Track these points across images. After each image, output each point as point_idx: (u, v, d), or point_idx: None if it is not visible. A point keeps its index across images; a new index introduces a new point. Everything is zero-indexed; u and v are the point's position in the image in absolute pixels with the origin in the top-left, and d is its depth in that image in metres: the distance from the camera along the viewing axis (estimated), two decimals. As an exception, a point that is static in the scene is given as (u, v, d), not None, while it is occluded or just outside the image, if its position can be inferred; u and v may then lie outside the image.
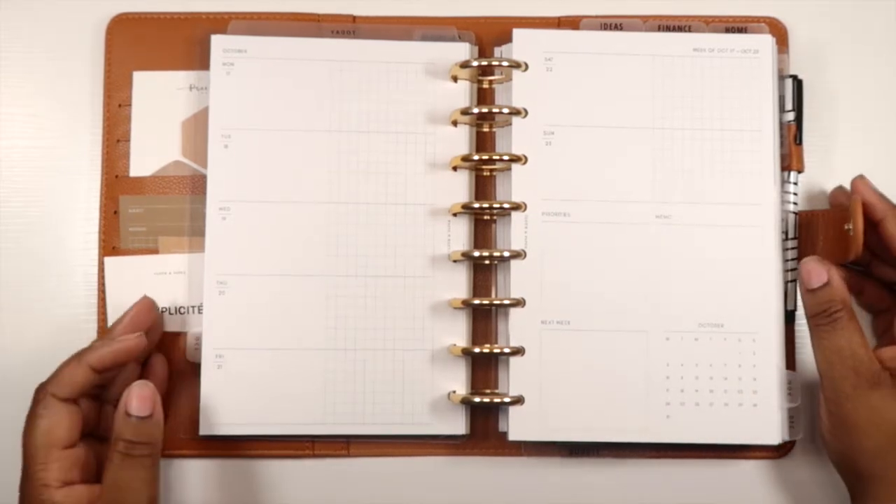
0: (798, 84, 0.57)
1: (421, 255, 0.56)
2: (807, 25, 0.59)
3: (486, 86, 0.58)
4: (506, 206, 0.55)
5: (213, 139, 0.56)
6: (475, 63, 0.56)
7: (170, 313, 0.56)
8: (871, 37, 0.60)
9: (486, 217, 0.57)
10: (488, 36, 0.58)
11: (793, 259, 0.56)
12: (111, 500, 0.49)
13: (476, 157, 0.56)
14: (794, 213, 0.57)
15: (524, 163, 0.55)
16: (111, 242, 0.57)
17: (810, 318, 0.52)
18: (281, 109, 0.56)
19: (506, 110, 0.56)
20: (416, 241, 0.56)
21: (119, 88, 0.58)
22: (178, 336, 0.56)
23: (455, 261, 0.56)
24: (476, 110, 0.56)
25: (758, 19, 0.59)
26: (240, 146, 0.56)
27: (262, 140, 0.56)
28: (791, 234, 0.56)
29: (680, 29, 0.58)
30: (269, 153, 0.56)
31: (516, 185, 0.56)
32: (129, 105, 0.57)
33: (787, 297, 0.56)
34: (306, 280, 0.55)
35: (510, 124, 0.56)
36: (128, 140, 0.57)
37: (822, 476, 0.57)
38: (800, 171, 0.57)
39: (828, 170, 0.59)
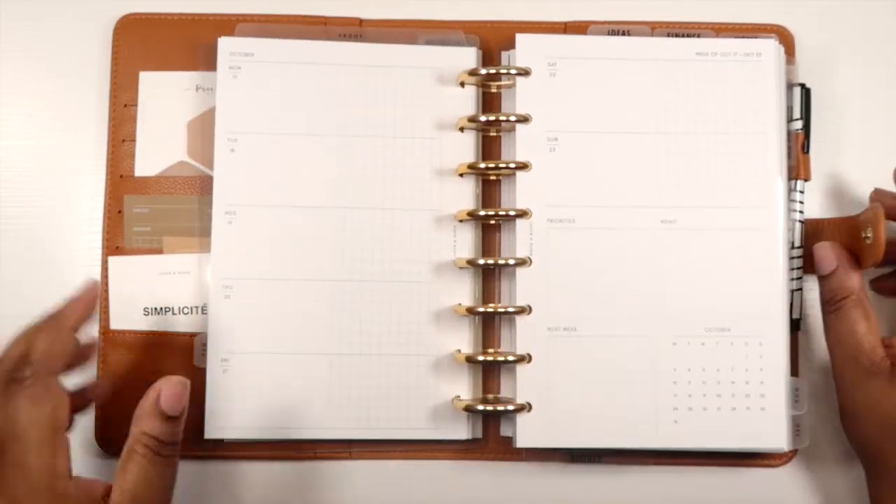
0: (806, 92, 0.57)
1: (426, 262, 0.56)
2: (815, 34, 0.59)
3: (493, 90, 0.58)
4: (511, 213, 0.55)
5: (220, 142, 0.55)
6: (483, 71, 0.56)
7: (173, 313, 0.56)
8: (879, 45, 0.60)
9: (491, 223, 0.57)
10: (496, 40, 0.58)
11: (798, 268, 0.56)
12: (138, 497, 0.45)
13: (482, 165, 0.56)
14: (801, 221, 0.57)
15: (529, 169, 0.55)
16: (115, 242, 0.56)
17: (822, 304, 0.54)
18: (287, 113, 0.56)
19: (512, 118, 0.55)
20: (422, 248, 0.56)
21: (125, 88, 0.57)
22: (183, 336, 0.55)
23: (461, 267, 0.55)
24: (483, 118, 0.56)
25: (765, 27, 0.59)
26: (246, 150, 0.55)
27: (269, 144, 0.56)
28: (797, 243, 0.56)
29: (688, 36, 0.58)
30: (275, 157, 0.55)
31: (521, 192, 0.55)
32: (135, 105, 0.57)
33: (793, 305, 0.56)
34: (311, 285, 0.55)
35: (515, 130, 0.56)
36: (133, 140, 0.57)
37: (825, 485, 0.57)
38: (806, 180, 0.57)
39: (835, 178, 0.59)
